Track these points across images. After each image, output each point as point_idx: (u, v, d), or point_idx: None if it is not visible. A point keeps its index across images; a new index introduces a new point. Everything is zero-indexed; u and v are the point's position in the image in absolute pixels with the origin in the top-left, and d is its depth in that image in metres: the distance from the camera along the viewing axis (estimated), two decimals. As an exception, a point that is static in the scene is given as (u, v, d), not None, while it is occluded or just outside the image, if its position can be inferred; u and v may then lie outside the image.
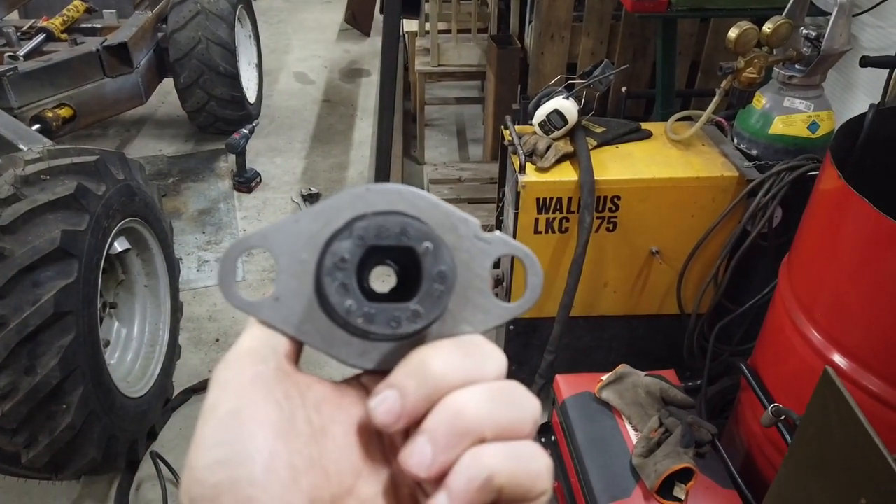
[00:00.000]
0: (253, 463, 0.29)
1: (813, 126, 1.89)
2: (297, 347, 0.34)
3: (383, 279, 0.36)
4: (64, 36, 3.32)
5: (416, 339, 0.33)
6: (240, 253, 0.34)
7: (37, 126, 2.75)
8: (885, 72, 2.02)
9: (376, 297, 0.33)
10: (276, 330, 0.33)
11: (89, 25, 3.54)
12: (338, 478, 0.32)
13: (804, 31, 1.86)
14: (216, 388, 0.32)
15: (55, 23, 3.34)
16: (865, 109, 1.53)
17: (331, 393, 0.34)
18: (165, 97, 4.36)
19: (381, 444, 0.35)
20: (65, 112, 2.95)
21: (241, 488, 0.29)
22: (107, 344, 2.15)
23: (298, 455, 0.30)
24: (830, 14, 1.78)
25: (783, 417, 1.42)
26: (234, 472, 0.29)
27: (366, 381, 0.36)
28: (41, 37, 3.23)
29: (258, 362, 0.32)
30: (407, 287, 0.33)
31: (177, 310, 2.39)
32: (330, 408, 0.33)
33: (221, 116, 3.84)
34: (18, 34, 3.23)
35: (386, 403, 0.30)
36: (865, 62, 1.89)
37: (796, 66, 1.87)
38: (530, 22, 3.23)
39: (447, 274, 0.32)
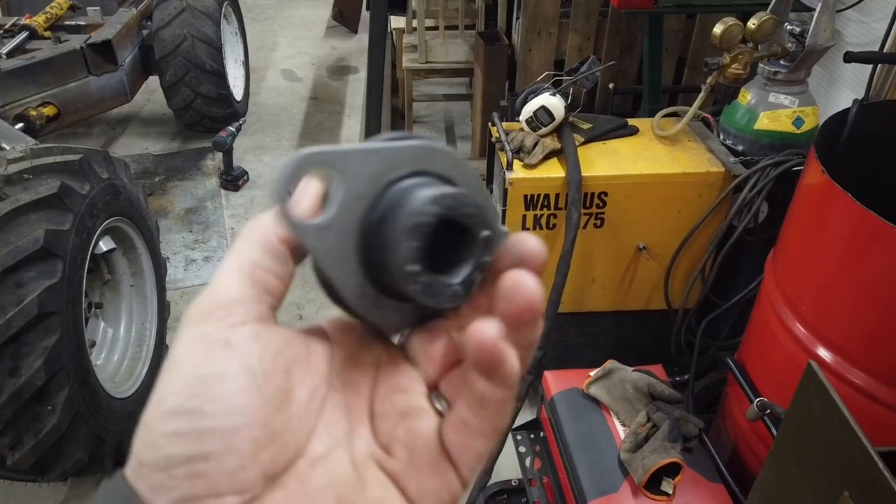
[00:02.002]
0: (213, 438, 0.28)
1: (798, 121, 1.90)
2: (284, 289, 0.33)
3: None
4: (47, 34, 3.28)
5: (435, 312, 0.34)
6: (306, 166, 0.31)
7: (20, 125, 2.72)
8: (869, 67, 2.03)
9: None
10: (317, 258, 0.32)
11: (73, 23, 3.50)
12: (294, 444, 0.32)
13: (788, 27, 1.87)
14: (186, 338, 0.30)
15: (38, 20, 3.31)
16: (850, 104, 1.54)
17: (301, 351, 0.33)
18: (151, 95, 4.32)
19: (344, 396, 0.35)
20: (48, 111, 2.92)
21: (195, 463, 0.28)
22: (93, 344, 2.13)
23: (262, 428, 0.30)
24: (814, 10, 1.79)
25: (768, 411, 1.43)
26: (191, 448, 0.28)
27: (331, 330, 0.36)
28: (24, 34, 3.20)
29: (237, 318, 0.30)
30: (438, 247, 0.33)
31: (164, 309, 2.37)
32: (299, 369, 0.33)
33: (208, 114, 3.82)
34: (1, 32, 3.19)
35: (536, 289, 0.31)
36: (849, 58, 1.90)
37: (781, 62, 1.88)
38: (517, 18, 3.23)
39: (488, 265, 0.33)
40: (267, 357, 0.30)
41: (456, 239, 0.33)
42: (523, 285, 0.31)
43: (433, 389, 0.35)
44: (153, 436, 0.28)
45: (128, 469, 0.29)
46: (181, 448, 0.28)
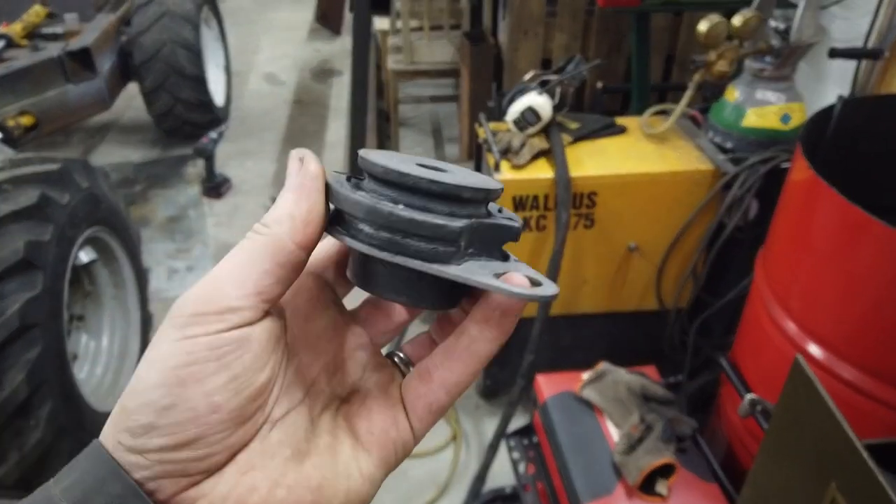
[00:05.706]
0: (186, 433, 0.30)
1: (785, 118, 1.90)
2: (284, 292, 0.33)
3: None
4: (24, 42, 3.23)
5: None
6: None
7: (-3, 134, 2.67)
8: (855, 62, 2.04)
9: None
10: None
11: (50, 31, 3.44)
12: (260, 418, 0.33)
13: (773, 24, 1.87)
14: (172, 336, 0.30)
15: (15, 28, 3.25)
16: (836, 100, 1.54)
17: (273, 336, 0.34)
18: (130, 102, 4.26)
19: (303, 358, 0.37)
20: (26, 120, 2.87)
21: (168, 452, 0.30)
22: (75, 357, 2.09)
23: (234, 420, 0.31)
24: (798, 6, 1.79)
25: (759, 407, 1.42)
26: (165, 440, 0.30)
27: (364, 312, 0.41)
28: (0, 43, 3.14)
29: (229, 323, 0.31)
30: None
31: (147, 321, 2.33)
32: (267, 352, 0.33)
33: (189, 120, 3.77)
34: (-24, 40, 3.13)
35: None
36: (833, 53, 1.90)
37: (766, 59, 1.88)
38: (503, 18, 3.22)
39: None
40: (248, 361, 0.31)
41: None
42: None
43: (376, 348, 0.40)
44: (129, 422, 0.30)
45: (105, 442, 0.30)
46: (156, 439, 0.29)
